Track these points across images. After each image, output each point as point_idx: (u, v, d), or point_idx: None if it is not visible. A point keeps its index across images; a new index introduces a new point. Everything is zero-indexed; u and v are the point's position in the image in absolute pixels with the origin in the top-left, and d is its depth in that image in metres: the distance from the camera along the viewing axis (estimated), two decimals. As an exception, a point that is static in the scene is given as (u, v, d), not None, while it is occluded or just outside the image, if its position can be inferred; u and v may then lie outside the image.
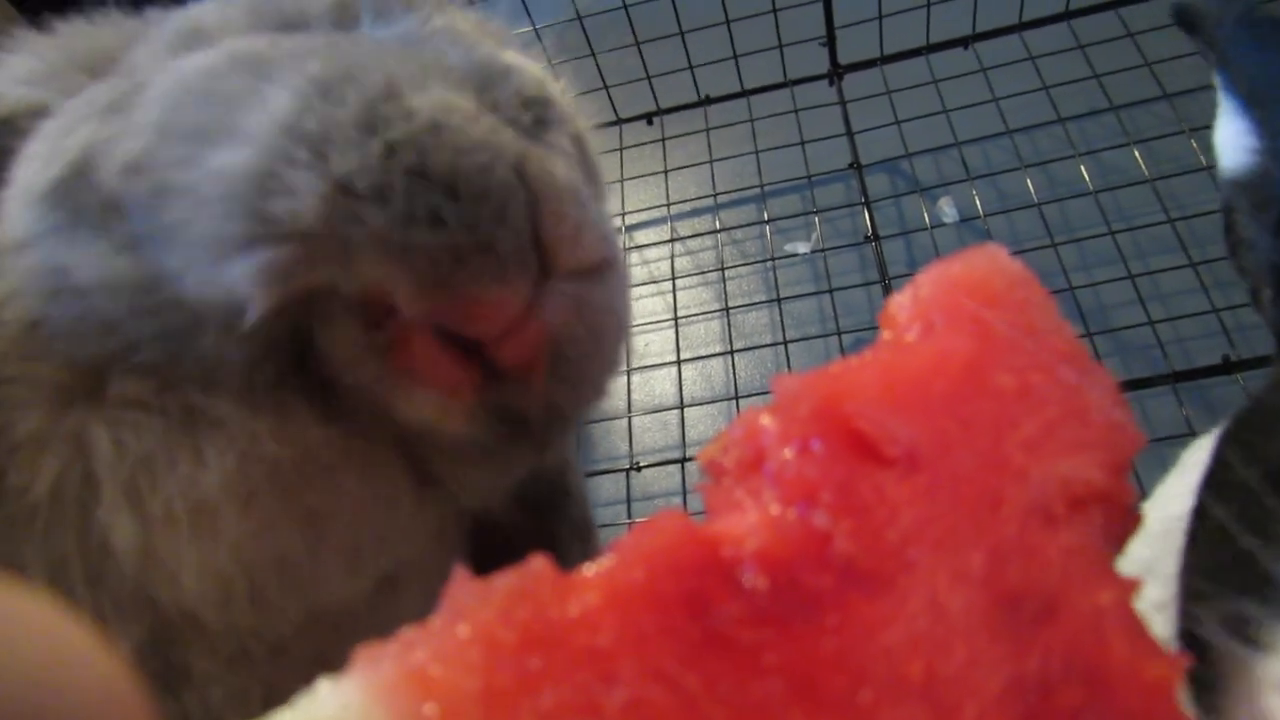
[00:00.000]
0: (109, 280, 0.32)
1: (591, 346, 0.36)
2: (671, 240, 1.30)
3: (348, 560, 0.36)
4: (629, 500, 1.10)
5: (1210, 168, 1.09)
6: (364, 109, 0.30)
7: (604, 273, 0.36)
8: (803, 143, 1.28)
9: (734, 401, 1.14)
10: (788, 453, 0.24)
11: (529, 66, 0.37)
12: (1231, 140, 0.41)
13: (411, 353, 0.33)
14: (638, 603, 0.20)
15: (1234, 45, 0.43)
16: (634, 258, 1.32)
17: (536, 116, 0.35)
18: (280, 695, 0.18)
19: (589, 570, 0.21)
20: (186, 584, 0.33)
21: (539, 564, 0.20)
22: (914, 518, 0.23)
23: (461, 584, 0.20)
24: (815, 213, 1.25)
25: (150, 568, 0.33)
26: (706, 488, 0.25)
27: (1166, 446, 0.56)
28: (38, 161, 0.34)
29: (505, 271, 0.31)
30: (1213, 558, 0.29)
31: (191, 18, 0.39)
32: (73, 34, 0.42)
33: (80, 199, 0.32)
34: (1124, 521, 0.25)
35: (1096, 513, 0.25)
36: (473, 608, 0.20)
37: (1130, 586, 0.24)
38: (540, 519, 0.46)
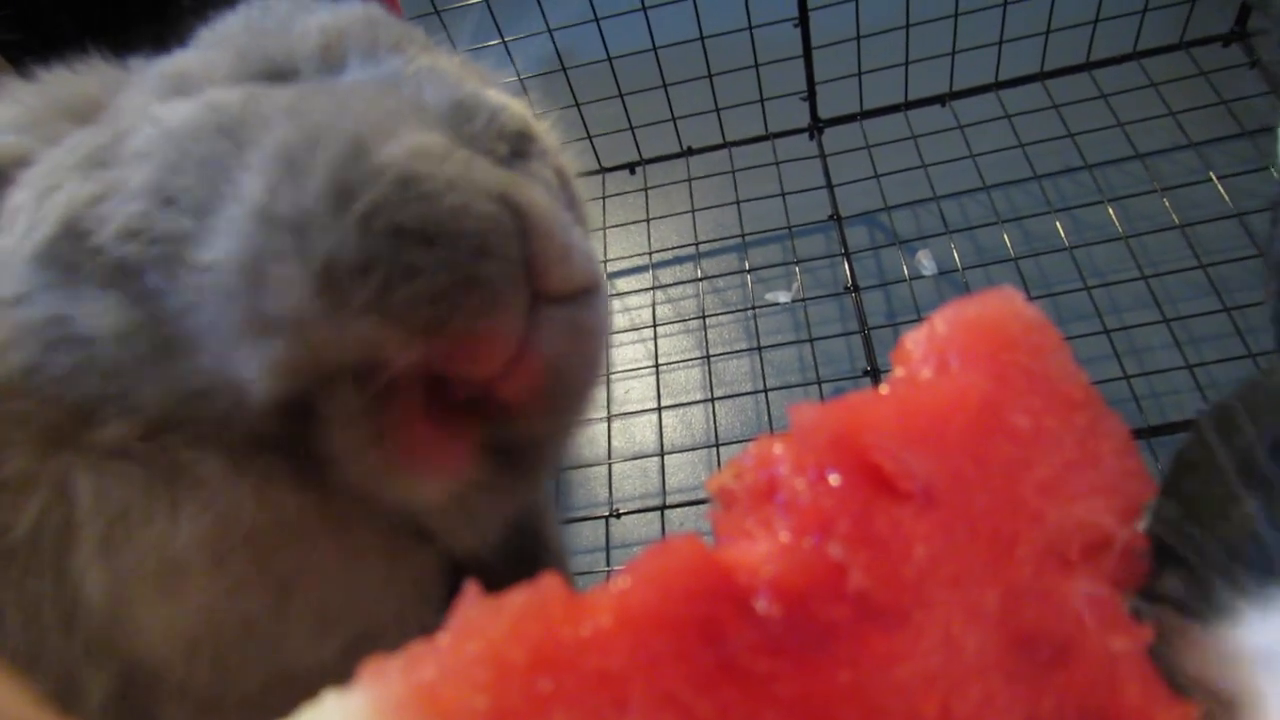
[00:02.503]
0: (121, 330, 0.32)
1: (584, 370, 0.37)
2: (653, 288, 1.31)
3: (315, 624, 0.35)
4: (608, 547, 1.08)
5: (1181, 226, 1.11)
6: (332, 179, 0.30)
7: (592, 295, 0.36)
8: (783, 194, 1.30)
9: (714, 449, 1.13)
10: (802, 483, 0.23)
11: (510, 103, 0.37)
12: None
13: (407, 439, 0.33)
14: (650, 626, 0.20)
15: None
16: (616, 305, 1.32)
17: (516, 149, 0.36)
18: None
19: (602, 591, 0.20)
20: (152, 639, 0.33)
21: (550, 583, 0.20)
22: (930, 554, 0.23)
23: (472, 600, 0.20)
24: (796, 263, 1.26)
25: (118, 620, 0.32)
26: (716, 515, 0.24)
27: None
28: (23, 218, 0.34)
29: (495, 301, 0.31)
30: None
31: (177, 64, 0.39)
32: (56, 81, 0.42)
33: (74, 257, 0.33)
34: (1135, 569, 0.25)
35: (1109, 559, 0.25)
36: (482, 625, 0.19)
37: (1144, 634, 0.24)
38: (517, 571, 0.45)
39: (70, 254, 0.33)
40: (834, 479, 0.23)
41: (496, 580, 0.43)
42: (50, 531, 0.32)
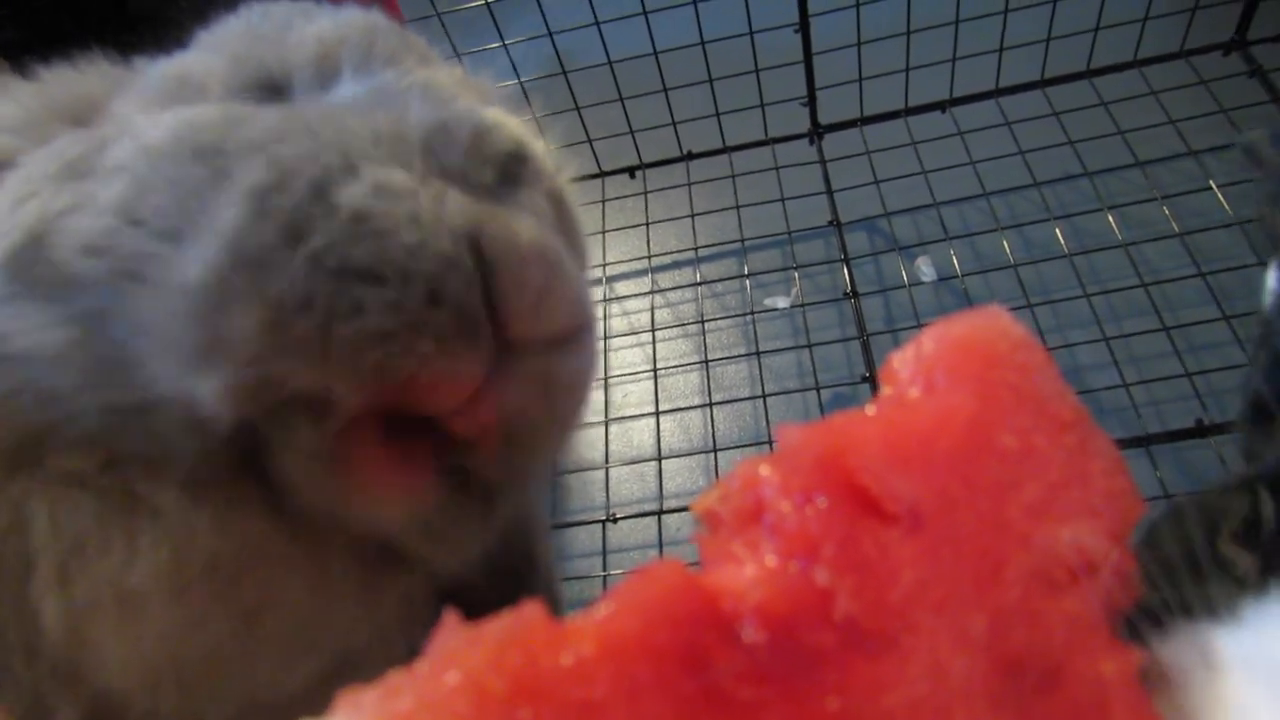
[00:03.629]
0: (50, 350, 0.32)
1: (556, 420, 0.35)
2: (652, 292, 1.30)
3: (285, 652, 0.35)
4: (604, 552, 1.08)
5: (1181, 234, 1.11)
6: (289, 218, 0.30)
7: (575, 341, 0.35)
8: (783, 199, 1.29)
9: (712, 454, 1.13)
10: (788, 505, 0.23)
11: (505, 121, 0.36)
12: (1275, 280, 0.46)
13: (362, 464, 0.32)
14: (633, 654, 0.20)
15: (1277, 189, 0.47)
16: (614, 309, 1.32)
17: (506, 173, 0.34)
18: None
19: (583, 619, 0.20)
20: (113, 670, 0.32)
21: (532, 610, 0.20)
22: (917, 577, 0.23)
23: (451, 628, 0.19)
24: (795, 268, 1.26)
25: (78, 649, 0.32)
26: (702, 538, 0.24)
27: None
28: None
29: (445, 349, 0.30)
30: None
31: (173, 69, 0.39)
32: (55, 81, 0.42)
33: (37, 270, 0.32)
34: (1125, 591, 0.25)
35: (1098, 581, 0.24)
36: (461, 653, 0.19)
37: (1132, 657, 0.24)
38: (505, 590, 0.44)
39: (34, 265, 0.32)
40: (820, 502, 0.23)
41: (483, 600, 0.43)
42: (10, 556, 0.32)
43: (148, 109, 0.37)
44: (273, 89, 0.38)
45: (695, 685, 0.20)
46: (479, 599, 0.42)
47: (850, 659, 0.21)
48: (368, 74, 0.37)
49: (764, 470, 0.24)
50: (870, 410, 0.25)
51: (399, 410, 0.32)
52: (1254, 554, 0.30)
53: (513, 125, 0.37)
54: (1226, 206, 1.11)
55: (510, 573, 0.43)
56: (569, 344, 0.35)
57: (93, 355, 0.31)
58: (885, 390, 0.26)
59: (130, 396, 0.32)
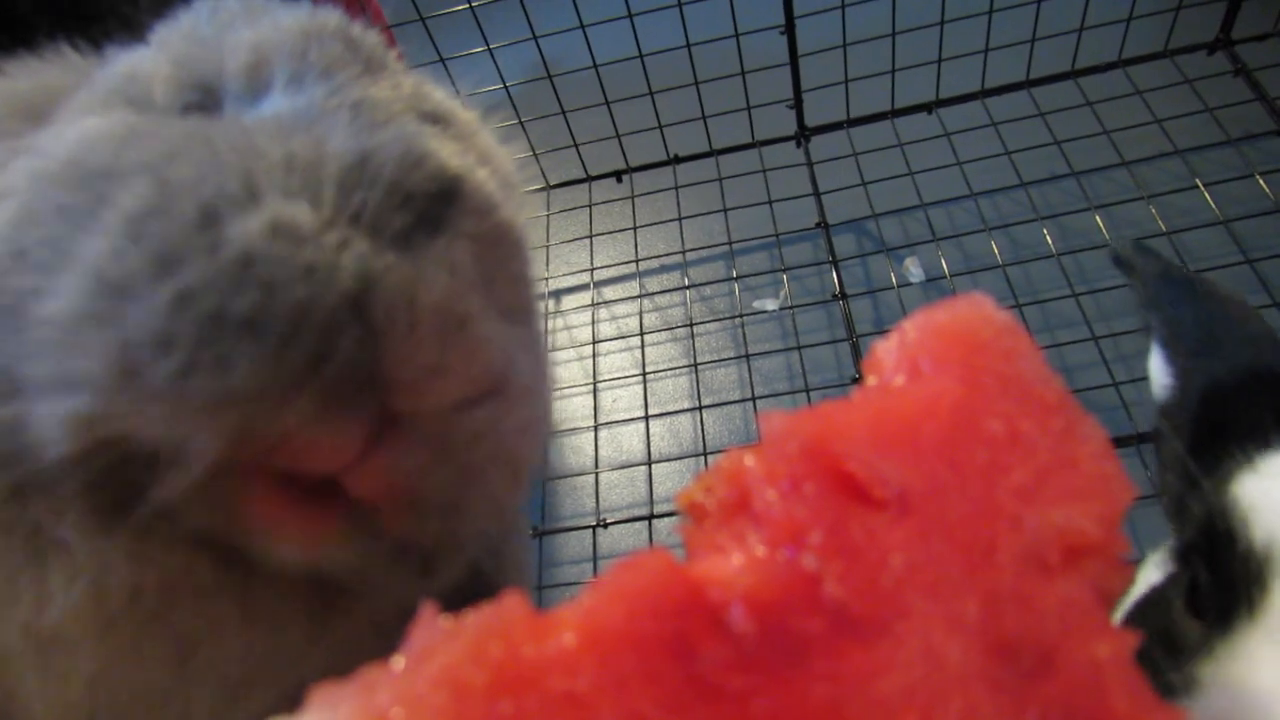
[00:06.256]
0: None
1: (470, 480, 0.33)
2: (640, 296, 1.30)
3: (225, 689, 0.33)
4: (595, 558, 1.07)
5: (1168, 233, 1.11)
6: (162, 249, 0.28)
7: (487, 401, 0.32)
8: (770, 202, 1.29)
9: (702, 457, 1.12)
10: (774, 493, 0.23)
11: (437, 153, 0.33)
12: (1157, 372, 0.50)
13: (253, 504, 0.30)
14: (617, 644, 0.19)
15: (1155, 295, 0.52)
16: (603, 313, 1.31)
17: (426, 216, 0.31)
18: None
19: (566, 609, 0.20)
20: (42, 715, 0.31)
21: (512, 601, 0.19)
22: (906, 562, 0.22)
23: (429, 622, 0.19)
24: (783, 270, 1.26)
25: (5, 696, 0.31)
26: (687, 529, 0.24)
27: (1133, 507, 0.56)
28: None
29: (319, 416, 0.28)
30: None
31: (127, 66, 0.37)
32: (18, 75, 0.40)
33: None
34: (1116, 575, 0.25)
35: (1090, 565, 0.24)
36: (440, 647, 0.18)
37: (1128, 640, 0.23)
38: (471, 596, 0.42)
39: None
40: (807, 489, 0.22)
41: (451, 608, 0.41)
42: None
43: (92, 112, 0.36)
44: (206, 98, 0.35)
45: (681, 675, 0.19)
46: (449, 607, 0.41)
47: (841, 645, 0.21)
48: (299, 87, 0.34)
49: (749, 460, 0.23)
50: (855, 397, 0.25)
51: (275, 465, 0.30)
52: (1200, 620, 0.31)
53: (445, 157, 0.33)
54: (1213, 205, 1.11)
55: (480, 578, 0.41)
56: (477, 406, 0.32)
57: None
58: (870, 378, 0.26)
59: (14, 427, 0.29)
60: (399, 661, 0.18)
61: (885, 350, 0.27)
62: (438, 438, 0.31)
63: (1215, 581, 0.33)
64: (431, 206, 0.32)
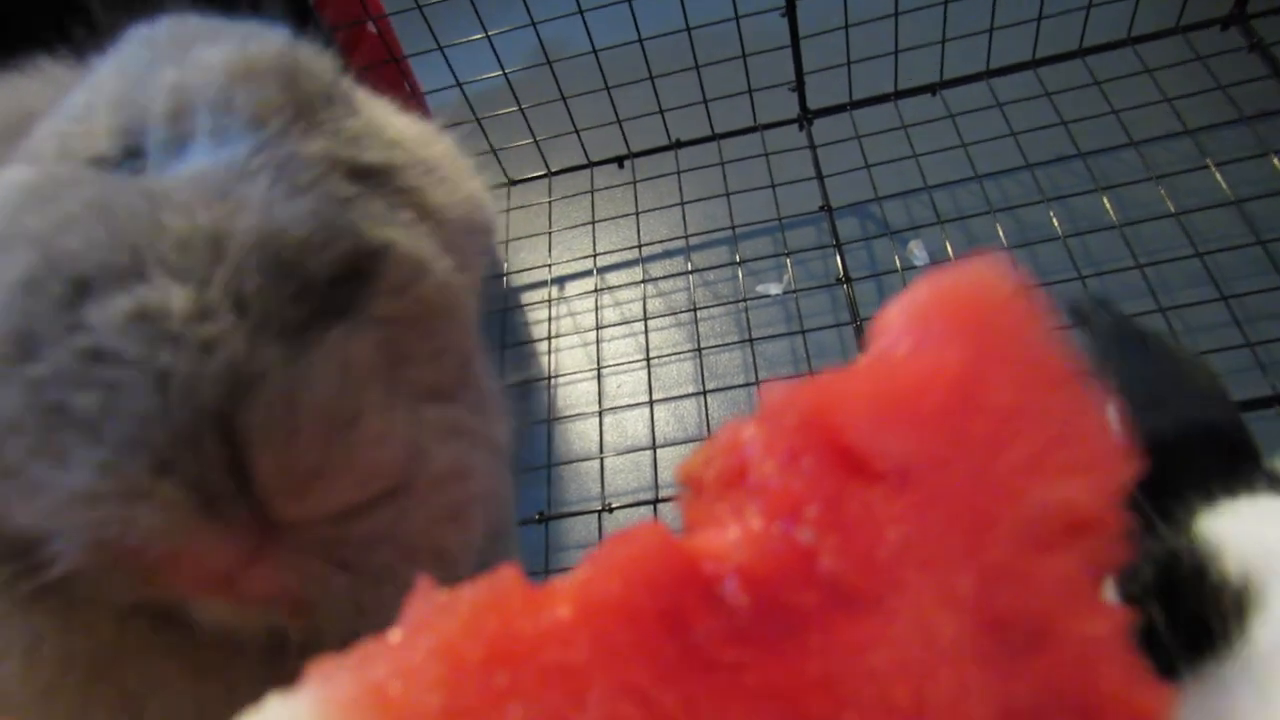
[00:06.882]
0: None
1: (377, 581, 0.30)
2: (643, 281, 1.30)
3: None
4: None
5: (1177, 214, 1.10)
6: (25, 328, 0.26)
7: (384, 502, 0.30)
8: (773, 185, 1.29)
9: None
10: (772, 466, 0.22)
11: (353, 227, 0.30)
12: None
13: (167, 578, 0.29)
14: (612, 617, 0.19)
15: (1107, 349, 0.53)
16: (606, 299, 1.31)
17: (325, 302, 0.29)
18: None
19: (561, 582, 0.20)
20: None
21: (507, 574, 0.19)
22: (903, 536, 0.22)
23: (424, 595, 0.19)
24: (786, 254, 1.25)
25: None
26: (685, 501, 0.24)
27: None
28: None
29: (181, 524, 0.26)
30: None
31: (86, 95, 0.35)
32: None
33: None
34: (1114, 551, 0.24)
35: (1088, 540, 0.24)
36: (435, 620, 0.18)
37: (1122, 616, 0.23)
38: None
39: None
40: (805, 462, 0.22)
41: None
42: None
43: (24, 160, 0.34)
44: (133, 146, 0.33)
45: (675, 647, 0.19)
46: None
47: (834, 619, 0.20)
48: (222, 141, 0.32)
49: (747, 432, 0.23)
50: (857, 367, 0.24)
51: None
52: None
53: (363, 231, 0.31)
54: (1224, 185, 1.11)
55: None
56: (372, 509, 0.30)
57: None
58: (874, 345, 0.26)
59: None
60: (395, 634, 0.18)
61: (890, 317, 0.26)
62: (329, 544, 0.29)
63: (1173, 624, 0.33)
64: (335, 292, 0.29)
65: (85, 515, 0.26)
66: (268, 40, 0.35)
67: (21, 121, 0.36)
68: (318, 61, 0.35)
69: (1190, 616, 0.33)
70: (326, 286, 0.29)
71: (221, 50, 0.33)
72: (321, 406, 0.28)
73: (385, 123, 0.37)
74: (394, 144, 0.36)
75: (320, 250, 0.29)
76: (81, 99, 0.35)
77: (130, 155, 0.33)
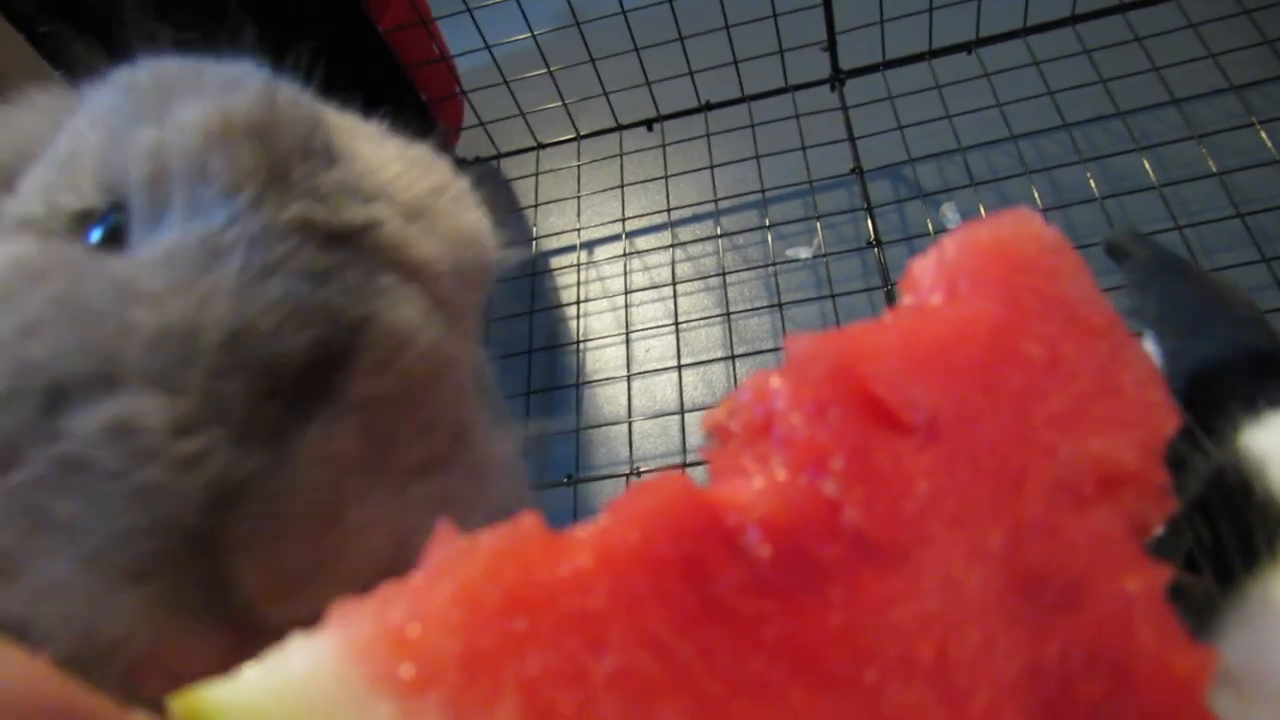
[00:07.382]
0: None
1: None
2: (673, 245, 1.29)
3: None
4: (627, 506, 1.08)
5: (1219, 174, 1.07)
6: (3, 440, 0.26)
7: (373, 588, 0.29)
8: (804, 148, 1.27)
9: (735, 407, 1.12)
10: (798, 417, 0.22)
11: (325, 305, 0.29)
12: (1149, 353, 0.49)
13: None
14: (632, 565, 0.19)
15: (1146, 278, 0.53)
16: (635, 263, 1.31)
17: (302, 394, 0.28)
18: None
19: (581, 530, 0.19)
20: None
21: (528, 522, 0.19)
22: (931, 489, 0.22)
23: (445, 541, 0.19)
24: (817, 218, 1.24)
25: None
26: (710, 452, 0.23)
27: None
28: None
29: (161, 627, 0.26)
30: None
31: (73, 139, 0.34)
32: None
33: None
34: (1154, 506, 0.24)
35: (1126, 495, 0.23)
36: (456, 566, 0.18)
37: (1160, 574, 0.23)
38: None
39: None
40: (831, 412, 0.22)
41: None
42: None
43: (33, 199, 0.33)
44: (116, 213, 0.32)
45: (696, 597, 0.19)
46: None
47: (858, 572, 0.20)
48: (195, 212, 0.30)
49: (775, 382, 0.23)
50: (887, 318, 0.24)
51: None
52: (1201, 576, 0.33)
53: (335, 310, 0.29)
54: (1269, 144, 1.08)
55: None
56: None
57: None
58: (905, 298, 0.25)
59: None
60: (415, 577, 0.18)
61: (922, 268, 0.26)
62: None
63: (1219, 538, 0.34)
64: (311, 379, 0.28)
65: (62, 607, 0.26)
66: (245, 90, 0.33)
67: (20, 158, 0.35)
68: (295, 108, 0.33)
69: (1237, 530, 0.33)
70: (302, 374, 0.28)
71: (199, 108, 0.32)
72: (305, 510, 0.27)
73: (369, 165, 0.35)
74: (376, 194, 0.34)
75: (293, 337, 0.28)
76: (66, 147, 0.34)
77: (115, 209, 0.32)
